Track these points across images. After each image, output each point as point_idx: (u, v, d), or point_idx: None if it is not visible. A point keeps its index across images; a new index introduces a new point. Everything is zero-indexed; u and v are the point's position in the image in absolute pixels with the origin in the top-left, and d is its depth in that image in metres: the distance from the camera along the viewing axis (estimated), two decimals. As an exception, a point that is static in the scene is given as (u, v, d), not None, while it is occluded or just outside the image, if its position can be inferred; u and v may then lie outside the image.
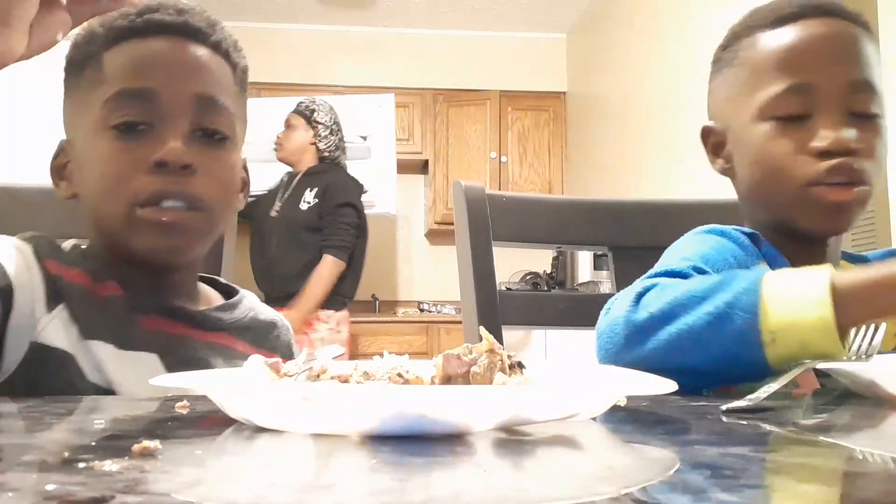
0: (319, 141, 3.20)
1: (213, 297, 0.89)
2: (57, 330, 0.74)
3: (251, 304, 0.91)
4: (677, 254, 0.85)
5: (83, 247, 0.82)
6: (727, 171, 0.94)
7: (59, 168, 0.83)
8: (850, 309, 0.65)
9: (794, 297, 0.66)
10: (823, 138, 0.82)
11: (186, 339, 0.81)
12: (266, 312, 0.92)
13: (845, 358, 0.66)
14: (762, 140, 0.86)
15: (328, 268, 3.02)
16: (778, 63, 0.85)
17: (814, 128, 0.83)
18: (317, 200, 3.09)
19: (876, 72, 0.85)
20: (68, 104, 0.82)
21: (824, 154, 0.82)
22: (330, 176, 3.17)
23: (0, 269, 0.72)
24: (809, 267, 0.69)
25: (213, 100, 0.79)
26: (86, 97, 0.78)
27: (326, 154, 3.21)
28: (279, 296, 3.00)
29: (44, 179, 0.87)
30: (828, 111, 0.83)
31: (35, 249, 0.77)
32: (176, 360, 0.77)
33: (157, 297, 0.81)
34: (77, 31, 0.81)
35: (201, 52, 0.80)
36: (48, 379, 0.72)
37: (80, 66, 0.80)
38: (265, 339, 0.90)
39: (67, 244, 0.82)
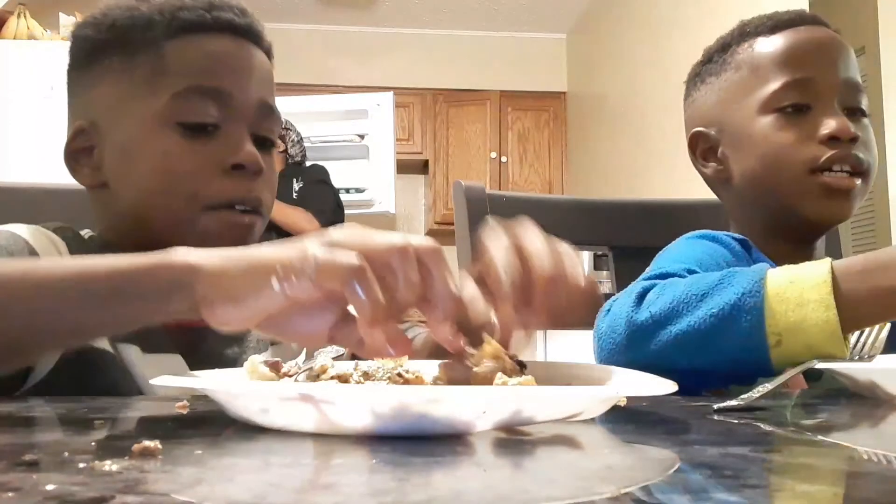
0: (291, 147, 3.34)
1: None
2: None
3: None
4: (670, 258, 0.85)
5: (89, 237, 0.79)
6: (720, 174, 0.96)
7: (78, 153, 0.77)
8: (856, 304, 0.65)
9: (798, 298, 0.66)
10: (828, 125, 0.87)
11: (205, 332, 0.79)
12: None
13: (847, 357, 0.66)
14: (768, 130, 0.89)
15: (303, 219, 2.98)
16: (780, 61, 0.91)
17: (815, 118, 0.88)
18: (302, 184, 3.25)
19: (859, 75, 0.93)
20: (102, 86, 0.77)
21: (830, 140, 0.86)
22: (305, 168, 3.35)
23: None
24: (810, 263, 0.69)
25: (271, 107, 0.79)
26: (139, 84, 0.75)
27: (297, 158, 3.34)
28: None
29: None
30: (826, 104, 0.89)
31: (67, 245, 0.74)
32: (198, 359, 0.76)
33: None
34: (108, 12, 0.77)
35: (262, 56, 0.79)
36: (92, 379, 0.70)
37: (128, 50, 0.75)
38: None
39: (84, 233, 0.79)
